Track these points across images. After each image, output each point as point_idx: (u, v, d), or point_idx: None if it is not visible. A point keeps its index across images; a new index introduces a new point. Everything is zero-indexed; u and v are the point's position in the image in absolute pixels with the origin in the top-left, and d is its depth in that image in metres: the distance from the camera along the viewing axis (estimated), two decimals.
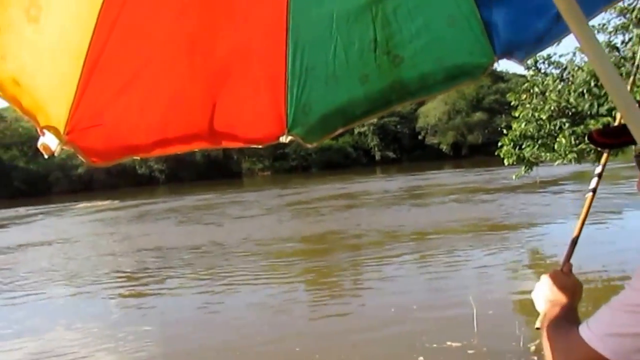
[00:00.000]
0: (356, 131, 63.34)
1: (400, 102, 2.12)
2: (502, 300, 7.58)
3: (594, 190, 1.63)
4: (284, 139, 2.05)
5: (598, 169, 1.67)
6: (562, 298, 1.43)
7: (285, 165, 63.09)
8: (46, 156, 1.43)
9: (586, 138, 7.40)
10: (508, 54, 2.07)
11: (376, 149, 66.78)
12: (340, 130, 2.19)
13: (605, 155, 1.69)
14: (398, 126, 67.13)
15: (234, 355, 6.18)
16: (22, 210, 33.74)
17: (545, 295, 1.48)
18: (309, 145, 2.13)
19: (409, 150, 66.37)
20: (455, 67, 2.06)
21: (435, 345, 5.92)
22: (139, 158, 1.75)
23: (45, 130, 1.39)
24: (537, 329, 1.43)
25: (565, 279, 1.49)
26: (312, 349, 6.16)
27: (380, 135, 66.10)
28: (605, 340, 1.13)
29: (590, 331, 1.16)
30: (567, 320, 1.33)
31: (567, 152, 9.67)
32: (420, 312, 7.26)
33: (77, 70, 1.44)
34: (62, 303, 9.83)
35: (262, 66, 1.91)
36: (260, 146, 2.02)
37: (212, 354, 6.38)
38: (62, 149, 1.44)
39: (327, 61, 1.97)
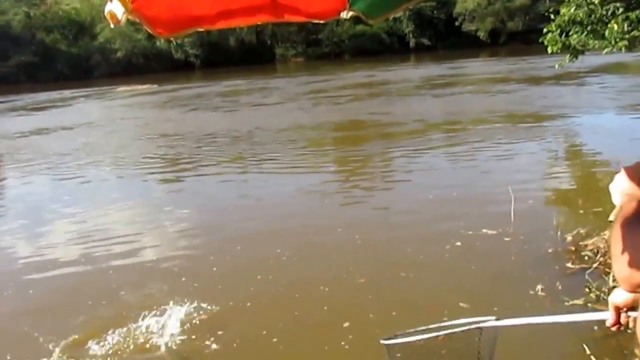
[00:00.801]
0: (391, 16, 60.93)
1: None
2: (540, 190, 7.56)
3: None
4: (345, 15, 1.95)
5: None
6: None
7: (318, 51, 61.72)
8: (112, 25, 1.38)
9: None
10: None
11: (411, 35, 64.45)
12: (403, 7, 2.07)
13: None
14: (434, 12, 64.30)
15: (277, 239, 6.33)
16: (66, 93, 34.15)
17: (622, 188, 1.37)
18: (370, 22, 2.04)
19: (444, 38, 63.95)
20: None
21: (471, 232, 5.99)
22: (202, 30, 1.69)
23: None
24: (611, 222, 1.38)
25: None
26: (353, 232, 6.31)
27: (416, 21, 63.48)
28: None
29: None
30: None
31: (617, 40, 9.17)
32: (458, 199, 7.31)
33: None
34: (101, 185, 10.12)
35: None
36: (321, 21, 1.94)
37: (253, 238, 6.55)
38: (127, 19, 1.39)
39: None
